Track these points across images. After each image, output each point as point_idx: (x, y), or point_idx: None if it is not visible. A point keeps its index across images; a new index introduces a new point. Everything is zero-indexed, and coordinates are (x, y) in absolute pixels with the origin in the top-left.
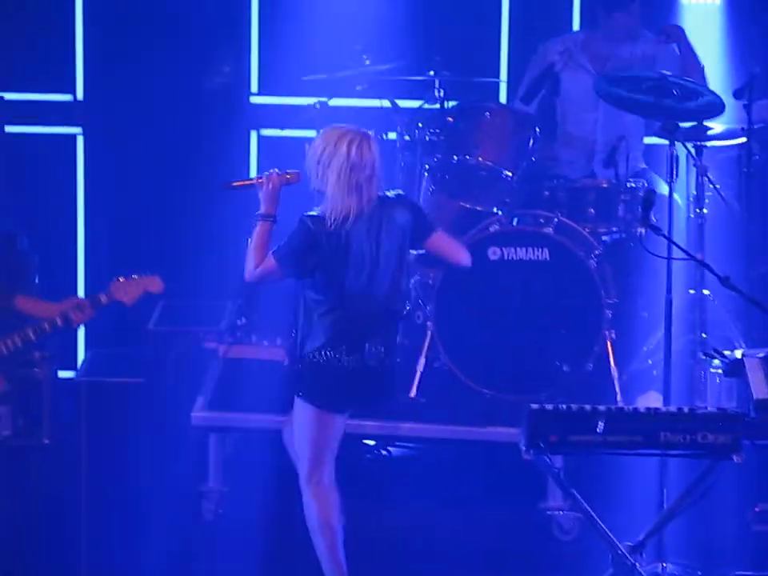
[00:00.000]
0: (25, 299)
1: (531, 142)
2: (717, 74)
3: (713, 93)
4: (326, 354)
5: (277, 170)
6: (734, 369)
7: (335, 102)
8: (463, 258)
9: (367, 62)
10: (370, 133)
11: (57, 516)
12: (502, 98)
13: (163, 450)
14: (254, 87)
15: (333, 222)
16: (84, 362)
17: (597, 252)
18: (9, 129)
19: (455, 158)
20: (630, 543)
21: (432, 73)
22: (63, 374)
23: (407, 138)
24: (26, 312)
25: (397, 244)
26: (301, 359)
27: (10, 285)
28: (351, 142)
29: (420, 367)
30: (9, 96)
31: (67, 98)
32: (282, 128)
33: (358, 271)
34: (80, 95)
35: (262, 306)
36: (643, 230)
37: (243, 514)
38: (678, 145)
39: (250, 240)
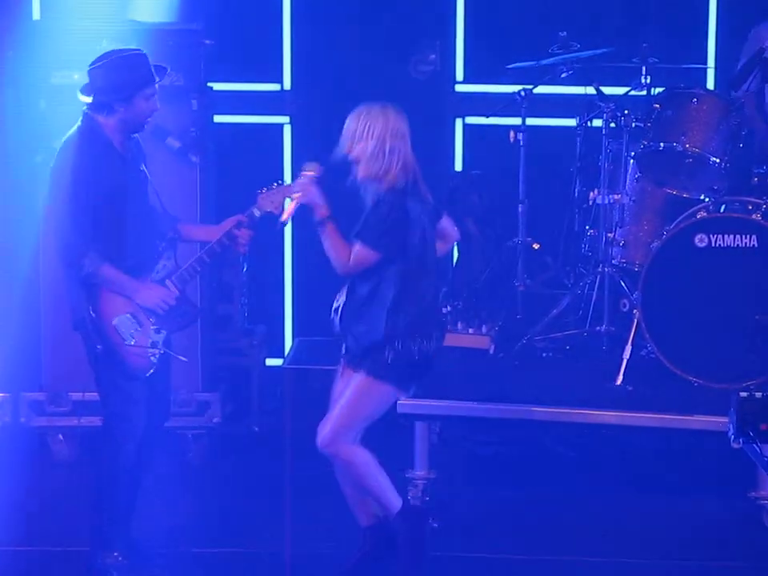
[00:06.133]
0: (188, 226)
1: (739, 128)
2: None
3: None
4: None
5: (303, 174)
6: None
7: (540, 89)
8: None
9: (573, 48)
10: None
11: (263, 501)
12: (710, 84)
13: (369, 437)
14: (459, 75)
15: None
16: (291, 349)
17: None
18: (217, 119)
19: (662, 144)
20: None
21: (638, 59)
22: (271, 361)
23: (613, 125)
24: (192, 238)
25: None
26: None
27: None
28: (386, 109)
29: (626, 355)
30: (217, 86)
31: (275, 87)
32: (487, 116)
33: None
34: (287, 85)
35: (466, 295)
36: None
37: (449, 501)
38: None
39: (326, 243)
